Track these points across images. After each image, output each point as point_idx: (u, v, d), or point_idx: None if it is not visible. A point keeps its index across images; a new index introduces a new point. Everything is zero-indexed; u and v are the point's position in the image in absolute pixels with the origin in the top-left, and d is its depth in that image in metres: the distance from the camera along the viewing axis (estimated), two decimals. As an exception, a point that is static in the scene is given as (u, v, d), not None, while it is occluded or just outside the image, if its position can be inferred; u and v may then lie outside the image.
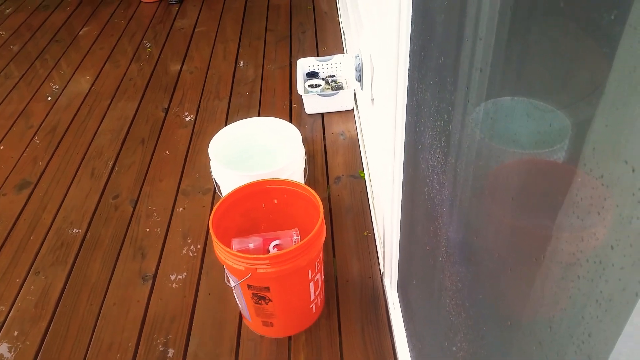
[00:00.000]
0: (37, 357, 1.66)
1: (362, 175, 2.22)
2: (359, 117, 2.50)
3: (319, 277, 1.58)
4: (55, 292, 1.86)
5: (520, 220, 0.62)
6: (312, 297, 1.59)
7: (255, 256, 1.39)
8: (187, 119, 2.68)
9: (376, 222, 1.96)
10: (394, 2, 1.16)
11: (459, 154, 0.83)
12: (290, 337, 1.64)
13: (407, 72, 1.17)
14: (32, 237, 2.09)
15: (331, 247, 1.93)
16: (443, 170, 0.92)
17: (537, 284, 0.57)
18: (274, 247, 1.54)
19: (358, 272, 1.83)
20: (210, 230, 1.46)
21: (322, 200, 2.05)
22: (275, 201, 1.68)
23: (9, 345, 1.71)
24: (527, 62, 0.58)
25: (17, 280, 1.93)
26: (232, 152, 1.97)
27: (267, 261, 1.39)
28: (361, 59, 1.79)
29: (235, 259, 1.41)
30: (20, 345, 1.70)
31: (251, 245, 1.52)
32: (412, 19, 1.11)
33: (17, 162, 2.52)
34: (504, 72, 0.66)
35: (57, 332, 1.73)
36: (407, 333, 1.50)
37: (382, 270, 1.79)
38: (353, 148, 2.37)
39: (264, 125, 2.03)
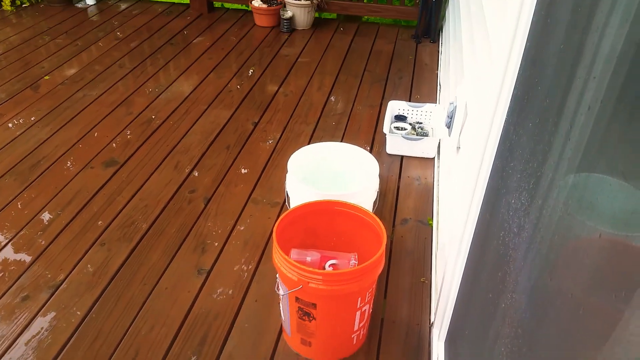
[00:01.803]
0: (83, 322, 1.73)
1: (430, 222, 2.17)
2: (438, 167, 2.48)
3: (367, 308, 1.55)
4: (115, 265, 1.94)
5: (604, 270, 0.59)
6: (356, 327, 1.55)
7: (310, 269, 1.39)
8: (272, 136, 2.77)
9: (435, 272, 1.90)
10: (504, 51, 1.17)
11: (548, 195, 0.80)
12: (325, 363, 1.60)
13: (504, 116, 1.16)
14: (106, 211, 2.21)
15: (384, 286, 1.89)
16: (526, 213, 0.88)
17: (615, 330, 0.53)
18: (329, 266, 1.53)
19: (407, 316, 1.77)
20: (273, 234, 1.47)
21: (386, 237, 2.02)
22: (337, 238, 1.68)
23: (62, 306, 1.78)
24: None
25: (84, 246, 2.03)
26: (309, 170, 2.01)
27: (321, 277, 1.38)
28: (455, 106, 1.79)
29: (291, 268, 1.41)
30: (72, 307, 1.77)
31: (308, 259, 1.52)
32: (520, 65, 1.11)
33: (109, 142, 2.70)
34: (614, 111, 0.64)
35: (107, 301, 1.79)
36: (447, 388, 1.42)
37: (432, 320, 1.73)
38: (426, 195, 2.34)
39: (345, 150, 2.05)
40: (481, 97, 1.46)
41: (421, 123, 2.74)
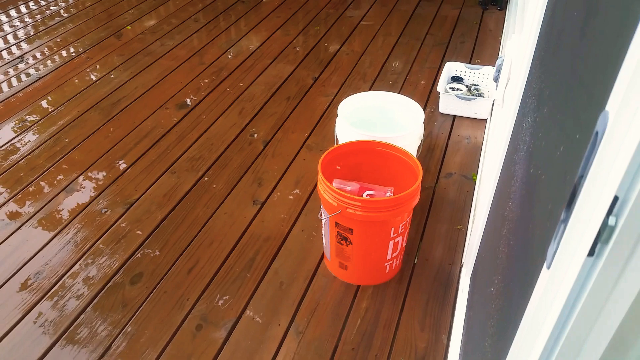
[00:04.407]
0: (152, 233, 1.99)
1: (474, 177, 2.28)
2: (489, 128, 2.56)
3: (400, 240, 1.70)
4: (182, 190, 2.20)
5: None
6: (389, 257, 1.71)
7: (349, 196, 1.56)
8: (330, 91, 2.92)
9: (473, 221, 2.02)
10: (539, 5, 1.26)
11: (533, 134, 0.92)
12: (359, 287, 1.78)
13: (529, 66, 1.26)
14: (177, 146, 2.47)
15: (421, 231, 2.03)
16: (529, 151, 1.01)
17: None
18: (367, 195, 1.69)
19: (440, 257, 1.91)
20: (319, 166, 1.65)
21: (427, 190, 2.17)
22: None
23: (135, 219, 2.06)
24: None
25: (157, 173, 2.30)
26: (358, 115, 2.16)
27: (358, 203, 1.55)
28: (503, 60, 1.87)
29: (332, 194, 1.58)
30: (145, 221, 2.05)
31: (349, 188, 1.69)
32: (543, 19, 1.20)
33: (183, 87, 2.95)
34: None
35: (174, 219, 2.05)
36: (466, 313, 1.57)
37: (462, 262, 1.86)
38: (474, 153, 2.44)
39: (393, 99, 2.19)
40: (520, 50, 1.55)
41: (477, 85, 2.80)
